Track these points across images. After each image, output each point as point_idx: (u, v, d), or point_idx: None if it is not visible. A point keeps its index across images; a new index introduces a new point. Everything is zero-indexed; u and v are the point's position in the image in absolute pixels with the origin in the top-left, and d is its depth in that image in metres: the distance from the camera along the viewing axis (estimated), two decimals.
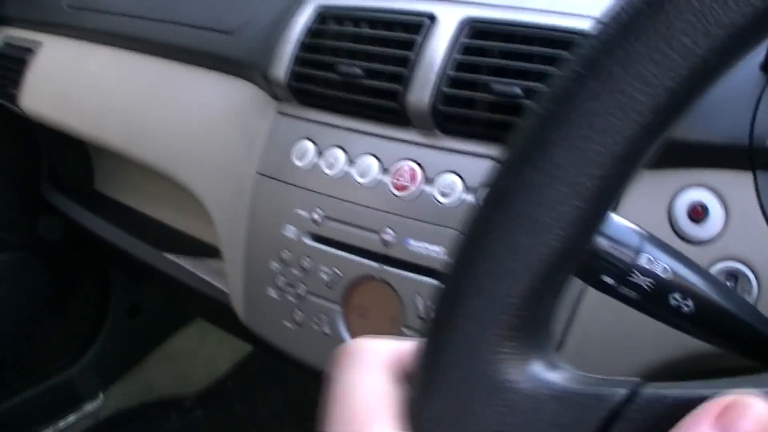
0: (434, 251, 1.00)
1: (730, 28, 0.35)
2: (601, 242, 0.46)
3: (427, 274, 1.01)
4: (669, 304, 0.48)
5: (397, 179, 1.04)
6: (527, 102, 0.95)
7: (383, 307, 1.04)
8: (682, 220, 0.87)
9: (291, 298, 1.13)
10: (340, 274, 1.08)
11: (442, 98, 1.00)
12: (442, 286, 0.41)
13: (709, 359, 0.79)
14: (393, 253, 1.03)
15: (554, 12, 0.98)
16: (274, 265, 1.15)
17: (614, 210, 0.85)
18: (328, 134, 1.12)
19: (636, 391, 0.37)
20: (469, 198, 0.98)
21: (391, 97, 1.04)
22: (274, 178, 1.16)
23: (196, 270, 1.51)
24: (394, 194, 1.04)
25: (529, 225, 0.38)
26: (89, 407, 2.24)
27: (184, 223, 1.70)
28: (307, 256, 1.11)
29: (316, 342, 1.11)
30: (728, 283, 0.84)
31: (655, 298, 0.47)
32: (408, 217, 1.02)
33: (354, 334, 1.08)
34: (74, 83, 1.65)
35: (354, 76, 1.08)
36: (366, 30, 1.11)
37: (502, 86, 0.96)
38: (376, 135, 1.08)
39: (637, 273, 0.46)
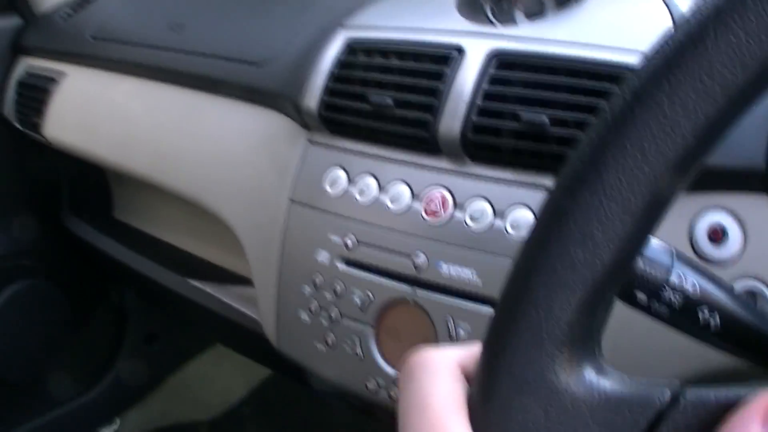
0: (465, 274, 1.02)
1: (764, 60, 0.39)
2: (636, 260, 0.49)
3: (459, 296, 1.03)
4: (697, 319, 0.50)
5: (428, 205, 1.06)
6: (553, 130, 0.98)
7: (415, 329, 1.06)
8: (703, 242, 0.90)
9: (323, 322, 1.15)
10: (373, 297, 1.10)
11: (471, 127, 1.03)
12: (502, 295, 0.44)
13: (732, 374, 0.81)
14: (424, 276, 1.06)
15: (577, 44, 1.01)
16: (307, 290, 1.17)
17: None
18: (359, 162, 1.15)
19: (679, 393, 0.40)
20: (499, 223, 1.01)
21: (422, 127, 1.07)
22: (306, 205, 1.18)
23: (222, 296, 1.54)
24: (425, 219, 1.06)
25: (584, 241, 0.41)
26: None
27: (205, 250, 1.72)
28: (340, 280, 1.13)
29: (348, 364, 1.13)
30: None
31: (684, 314, 0.50)
32: (439, 242, 1.05)
33: (386, 356, 1.10)
34: (100, 113, 1.68)
35: (385, 106, 1.11)
36: (395, 62, 1.14)
37: (529, 115, 0.99)
38: (407, 162, 1.11)
39: (668, 289, 0.49)
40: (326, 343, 1.16)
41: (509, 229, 1.00)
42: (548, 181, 0.99)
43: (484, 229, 1.02)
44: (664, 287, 0.49)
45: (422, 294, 1.06)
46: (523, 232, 0.97)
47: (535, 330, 0.42)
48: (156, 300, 2.15)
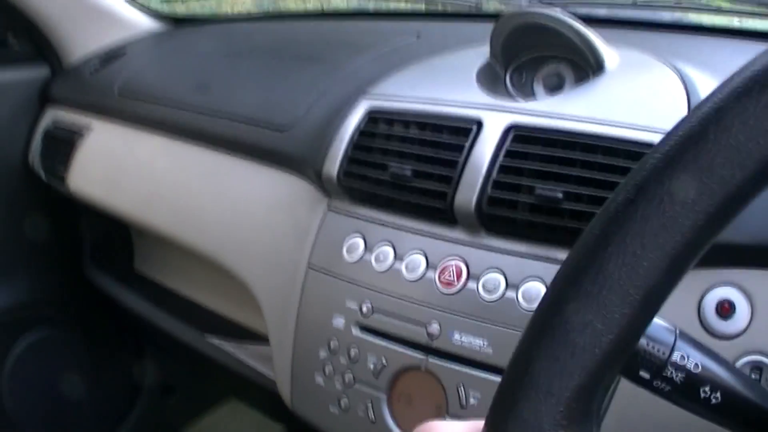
0: (477, 344, 1.03)
1: (762, 161, 0.41)
2: (641, 341, 0.51)
3: (471, 365, 1.04)
4: (699, 397, 0.52)
5: (443, 275, 1.08)
6: (567, 205, 0.99)
7: (427, 396, 1.07)
8: (711, 316, 0.92)
9: (337, 385, 1.16)
10: (386, 364, 1.11)
11: (487, 200, 1.04)
12: (505, 377, 0.46)
13: None
14: (438, 345, 1.07)
15: (593, 120, 1.03)
16: (322, 353, 1.18)
17: None
18: (378, 231, 1.17)
19: None
20: (512, 294, 1.02)
21: (440, 198, 1.09)
22: (324, 271, 1.20)
23: (238, 353, 1.55)
24: (440, 290, 1.08)
25: (584, 329, 0.43)
26: None
27: (223, 306, 1.73)
28: (355, 345, 1.14)
29: (360, 427, 1.14)
30: (754, 376, 0.88)
31: (686, 391, 0.52)
32: (453, 312, 1.06)
33: (398, 421, 1.11)
34: (124, 168, 1.71)
35: (403, 176, 1.12)
36: (415, 132, 1.16)
37: (544, 190, 1.00)
38: (424, 233, 1.12)
39: (670, 368, 0.51)
40: (340, 406, 1.17)
41: (521, 301, 1.01)
42: (562, 255, 1.01)
43: (497, 300, 1.03)
44: (666, 366, 0.51)
45: (435, 361, 1.07)
46: (535, 305, 0.98)
47: (535, 412, 0.44)
48: (173, 353, 2.17)
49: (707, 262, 0.91)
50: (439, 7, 1.89)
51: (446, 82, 1.22)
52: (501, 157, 1.06)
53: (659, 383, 0.52)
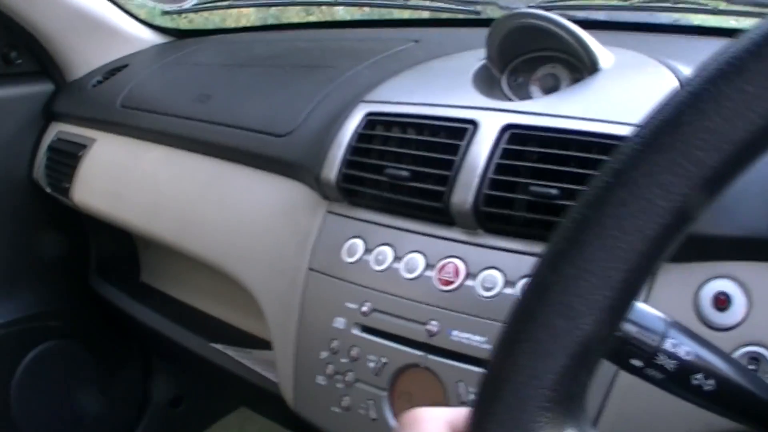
0: (476, 341, 1.04)
1: (738, 143, 0.41)
2: (631, 329, 0.52)
3: (470, 362, 1.05)
4: (691, 384, 0.53)
5: (442, 275, 1.09)
6: (563, 202, 0.99)
7: (428, 393, 1.08)
8: (707, 309, 0.92)
9: (339, 385, 1.17)
10: (387, 363, 1.12)
11: (483, 199, 1.05)
12: (490, 362, 0.47)
13: None
14: (437, 342, 1.07)
15: (587, 119, 1.04)
16: (324, 355, 1.19)
17: (645, 300, 0.90)
18: (377, 232, 1.17)
19: None
20: (510, 292, 1.03)
21: (437, 198, 1.09)
22: (324, 274, 1.21)
23: (244, 360, 1.56)
24: (438, 289, 1.08)
25: (565, 312, 0.44)
26: None
27: (229, 315, 1.75)
28: (356, 346, 1.15)
29: (363, 426, 1.15)
30: (751, 367, 0.88)
31: (679, 379, 0.53)
32: (452, 310, 1.07)
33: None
34: (128, 179, 1.72)
35: (401, 178, 1.13)
36: (412, 134, 1.17)
37: (540, 188, 1.01)
38: (422, 233, 1.13)
39: (662, 356, 0.52)
40: (341, 405, 1.18)
41: None
42: None
43: (495, 298, 1.04)
44: (658, 353, 0.52)
45: (434, 359, 1.08)
46: None
47: (519, 395, 0.45)
48: (180, 362, 2.17)
49: (703, 254, 0.92)
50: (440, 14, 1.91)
51: (443, 85, 1.24)
52: (497, 157, 1.07)
53: (651, 371, 0.53)
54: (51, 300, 2.06)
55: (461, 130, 1.11)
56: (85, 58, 2.04)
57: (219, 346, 1.62)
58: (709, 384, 0.53)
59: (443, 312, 1.08)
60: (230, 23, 2.55)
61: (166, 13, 2.20)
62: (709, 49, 0.44)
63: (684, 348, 0.53)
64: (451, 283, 1.08)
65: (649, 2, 1.55)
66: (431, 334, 1.08)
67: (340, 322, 1.18)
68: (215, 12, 2.50)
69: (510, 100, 1.19)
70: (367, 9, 2.33)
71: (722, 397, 0.54)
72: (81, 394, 2.12)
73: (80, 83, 2.01)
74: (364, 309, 1.15)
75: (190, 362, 1.94)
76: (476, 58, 1.25)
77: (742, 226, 0.91)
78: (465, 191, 1.07)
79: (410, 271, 1.12)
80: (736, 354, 0.90)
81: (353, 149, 1.21)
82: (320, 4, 2.46)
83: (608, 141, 1.00)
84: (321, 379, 1.20)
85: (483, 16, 1.73)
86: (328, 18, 2.48)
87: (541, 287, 0.45)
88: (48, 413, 2.08)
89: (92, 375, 2.14)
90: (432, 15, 2.00)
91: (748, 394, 0.55)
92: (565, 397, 0.45)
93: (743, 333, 0.90)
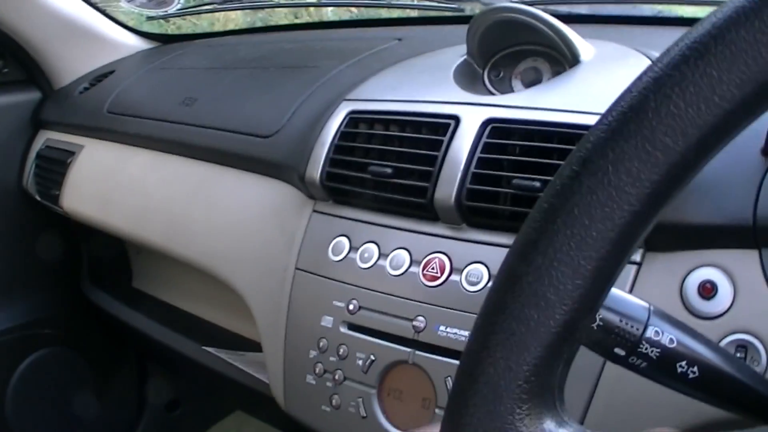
0: (463, 336, 1.04)
1: (704, 127, 0.41)
2: (613, 318, 0.51)
3: (457, 357, 1.03)
4: (676, 372, 0.53)
5: (427, 270, 1.09)
6: None
7: (416, 390, 1.08)
8: (693, 298, 0.92)
9: (329, 384, 1.17)
10: (375, 360, 1.12)
11: (467, 194, 1.06)
12: (464, 356, 0.47)
13: (725, 426, 0.82)
14: (424, 338, 1.08)
15: (568, 111, 1.04)
16: (313, 354, 1.19)
17: (631, 290, 0.90)
18: (362, 230, 1.18)
19: None
20: None
21: (420, 194, 1.10)
22: (311, 273, 1.21)
23: (236, 362, 1.56)
24: (424, 284, 1.09)
25: (537, 302, 0.44)
26: None
27: (222, 318, 1.74)
28: (344, 344, 1.16)
29: (353, 424, 1.15)
30: (738, 354, 0.88)
31: (663, 367, 0.53)
32: (438, 306, 1.07)
33: (389, 416, 1.12)
34: (116, 184, 1.72)
35: (384, 175, 1.14)
36: (394, 131, 1.17)
37: (523, 181, 1.01)
38: (407, 230, 1.13)
39: (645, 344, 0.52)
40: (331, 404, 1.18)
41: None
42: None
43: (480, 292, 1.04)
44: (641, 342, 0.52)
45: (422, 355, 1.08)
46: None
47: (494, 386, 0.45)
48: (174, 367, 2.18)
49: (687, 243, 0.92)
50: (425, 13, 1.91)
51: (425, 82, 1.24)
52: (479, 151, 1.07)
53: (635, 360, 0.53)
54: (44, 308, 2.06)
55: (443, 126, 1.11)
56: (71, 66, 2.04)
57: (211, 350, 1.62)
58: (693, 371, 0.53)
59: (429, 308, 1.08)
60: (218, 28, 2.55)
61: (150, 18, 2.20)
62: None
63: (667, 336, 0.53)
64: (436, 278, 1.08)
65: None
66: (418, 330, 1.08)
67: (327, 321, 1.18)
68: (203, 17, 2.50)
69: (492, 94, 1.19)
70: (354, 10, 2.33)
71: (707, 384, 0.54)
72: (77, 400, 2.12)
73: (67, 90, 2.01)
74: (351, 307, 1.15)
75: (184, 366, 1.94)
76: (458, 54, 1.25)
77: (727, 214, 0.90)
78: (448, 186, 1.07)
79: (396, 267, 1.12)
80: (724, 342, 0.90)
81: (337, 148, 1.21)
82: (304, 5, 2.46)
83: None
84: (310, 379, 1.20)
85: (467, 12, 1.74)
86: (316, 20, 2.48)
87: (512, 278, 0.45)
88: (45, 421, 2.08)
89: (88, 381, 2.13)
90: (417, 13, 2.01)
91: (733, 380, 0.55)
92: (541, 388, 0.45)
93: (730, 321, 0.90)
